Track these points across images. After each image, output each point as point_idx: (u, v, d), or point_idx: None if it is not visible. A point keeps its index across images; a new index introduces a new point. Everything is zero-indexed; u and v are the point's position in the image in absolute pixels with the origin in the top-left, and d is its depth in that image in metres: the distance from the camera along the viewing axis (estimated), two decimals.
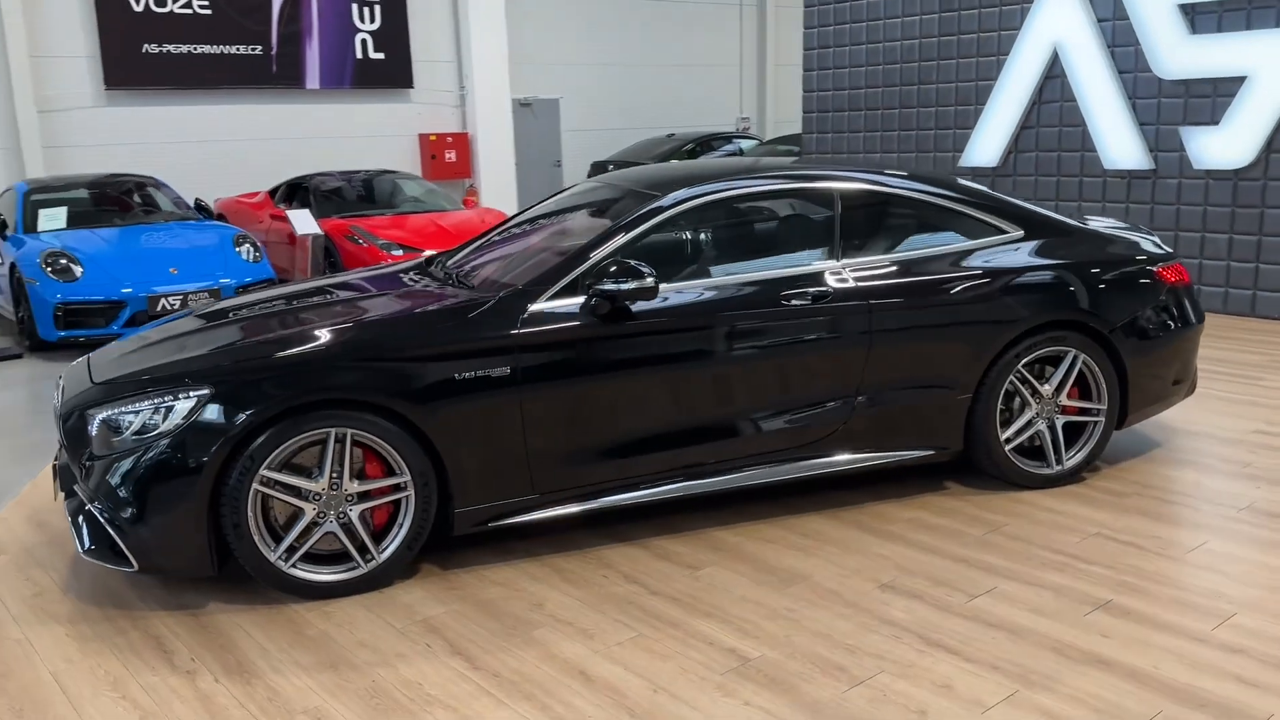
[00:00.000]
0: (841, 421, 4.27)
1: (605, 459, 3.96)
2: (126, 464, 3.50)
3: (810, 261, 4.35)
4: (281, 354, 3.67)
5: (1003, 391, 4.43)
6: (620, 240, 4.08)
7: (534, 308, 3.87)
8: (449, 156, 15.86)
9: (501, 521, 3.88)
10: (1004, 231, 4.62)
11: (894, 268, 4.36)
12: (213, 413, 3.50)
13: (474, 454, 3.77)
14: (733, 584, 3.73)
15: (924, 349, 4.34)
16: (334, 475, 3.62)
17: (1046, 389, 4.52)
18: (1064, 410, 4.59)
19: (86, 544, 3.62)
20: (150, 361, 3.84)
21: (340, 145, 14.94)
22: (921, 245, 4.55)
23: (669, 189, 4.31)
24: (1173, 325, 4.74)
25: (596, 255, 4.01)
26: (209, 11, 13.66)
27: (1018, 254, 4.57)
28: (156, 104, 13.50)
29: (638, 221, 4.15)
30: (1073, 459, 4.62)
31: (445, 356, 3.71)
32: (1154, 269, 4.75)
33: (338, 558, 3.72)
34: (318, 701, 3.03)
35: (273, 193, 11.96)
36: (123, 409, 3.59)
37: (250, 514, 3.53)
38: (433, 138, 15.70)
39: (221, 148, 13.96)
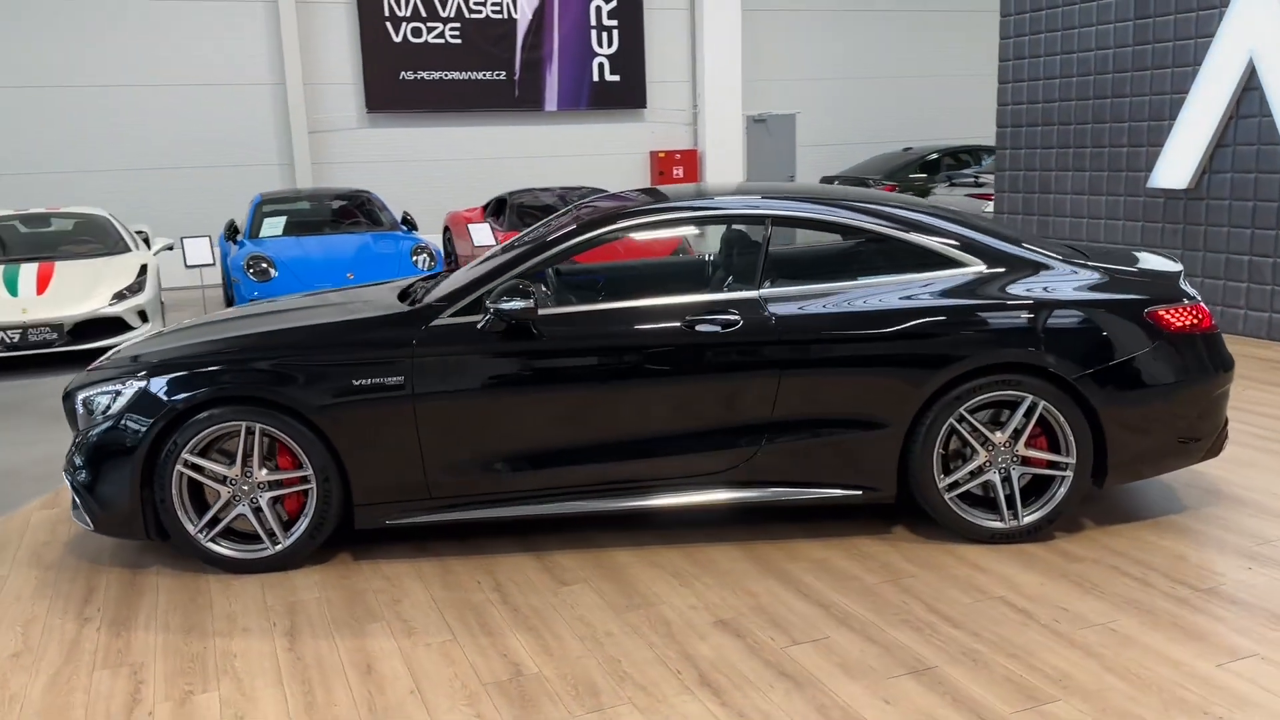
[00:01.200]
0: (749, 453, 4.19)
1: (499, 471, 4.16)
2: (89, 439, 4.17)
3: (728, 288, 4.30)
4: (205, 352, 4.20)
5: (942, 435, 4.15)
6: (531, 262, 4.28)
7: (435, 323, 4.15)
8: (677, 173, 16.35)
9: (399, 521, 4.19)
10: (959, 265, 4.31)
11: (818, 299, 4.21)
12: (145, 401, 4.08)
13: (371, 456, 4.11)
14: (582, 602, 3.81)
15: (843, 385, 4.16)
16: (246, 464, 4.10)
17: (999, 436, 4.17)
18: (1026, 461, 4.21)
19: (72, 506, 4.34)
20: (147, 349, 4.49)
21: (575, 163, 15.85)
22: (858, 276, 4.36)
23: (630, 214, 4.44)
24: (1172, 375, 4.20)
25: (505, 276, 4.23)
26: (459, 41, 15.01)
27: (963, 289, 4.24)
28: (411, 125, 15.01)
29: (551, 244, 4.31)
30: (1030, 515, 4.22)
31: (346, 364, 4.08)
32: (1148, 311, 4.22)
33: (253, 538, 4.19)
34: (149, 658, 3.50)
35: (485, 207, 12.97)
36: (94, 391, 4.26)
37: (174, 491, 4.08)
38: (661, 155, 16.25)
39: (467, 165, 15.26)
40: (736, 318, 4.15)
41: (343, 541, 4.34)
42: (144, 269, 9.17)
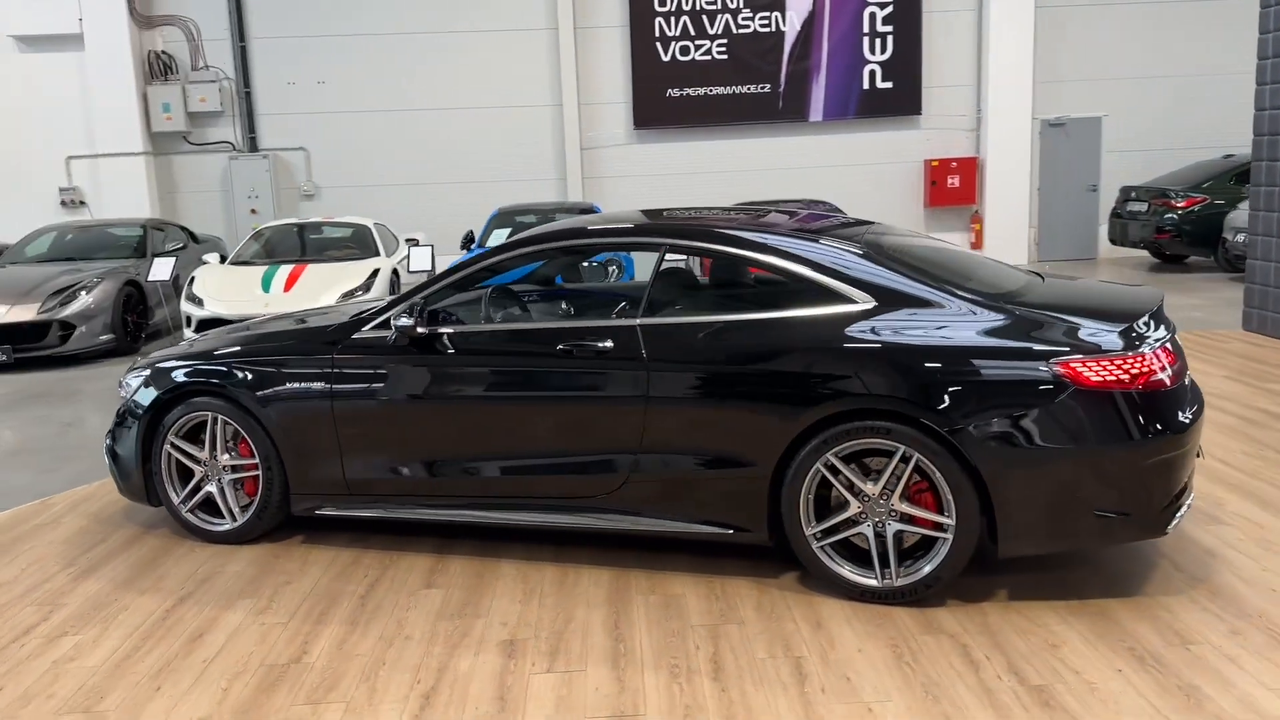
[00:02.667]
0: (619, 481, 4.19)
1: (403, 475, 4.51)
2: (116, 417, 5.06)
3: (611, 315, 4.31)
4: (194, 351, 4.92)
5: (809, 480, 3.90)
6: (436, 286, 4.57)
7: (356, 336, 4.58)
8: (951, 182, 15.57)
9: (327, 512, 4.67)
10: (849, 301, 4.01)
11: (693, 331, 4.11)
12: (146, 389, 4.89)
13: (301, 451, 4.62)
14: (424, 605, 4.05)
15: (710, 420, 4.04)
16: (214, 449, 4.79)
17: (871, 488, 3.85)
18: (909, 518, 3.85)
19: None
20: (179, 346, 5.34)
21: (841, 174, 15.62)
22: (741, 310, 4.19)
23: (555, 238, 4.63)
24: (1085, 438, 3.64)
25: (418, 295, 4.57)
26: (725, 56, 15.34)
27: (837, 326, 3.94)
28: (676, 140, 15.58)
29: (461, 268, 4.58)
30: (906, 577, 3.85)
31: (283, 368, 4.63)
32: (1052, 364, 3.68)
33: (221, 514, 4.87)
34: (75, 601, 4.24)
35: None
36: (128, 376, 5.15)
37: (164, 467, 4.86)
38: (935, 163, 15.54)
39: (727, 177, 15.58)
40: (608, 345, 4.18)
41: (314, 527, 4.90)
42: (375, 273, 10.47)
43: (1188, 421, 3.76)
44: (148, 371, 4.94)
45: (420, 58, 15.27)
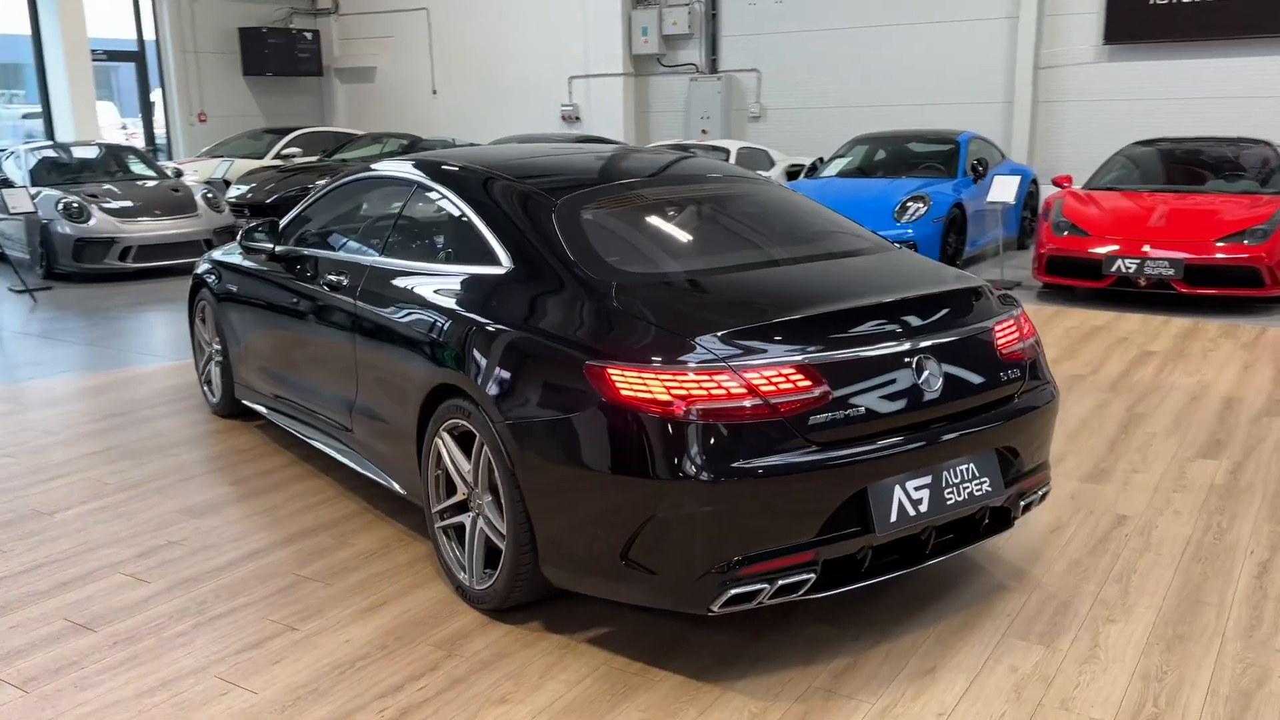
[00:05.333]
0: (349, 421, 4.17)
1: (264, 376, 4.95)
2: None
3: (367, 252, 4.20)
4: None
5: (434, 455, 3.57)
6: (297, 210, 4.83)
7: (246, 246, 4.98)
8: None
9: (249, 403, 5.28)
10: (495, 263, 3.48)
11: (396, 276, 3.90)
12: None
13: (232, 345, 5.28)
14: (228, 535, 4.51)
15: (380, 374, 3.85)
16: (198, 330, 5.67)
17: (469, 473, 3.41)
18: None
19: None
20: None
21: None
22: (417, 257, 3.88)
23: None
24: (605, 463, 2.87)
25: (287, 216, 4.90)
26: None
27: (468, 290, 3.50)
28: (1154, 58, 12.99)
29: (311, 197, 4.79)
30: (481, 584, 3.36)
31: (225, 272, 5.28)
32: (587, 368, 2.90)
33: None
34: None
35: None
36: None
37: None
38: None
39: (1233, 105, 12.60)
40: (343, 280, 4.15)
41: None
42: None
43: (746, 469, 2.74)
44: None
45: None
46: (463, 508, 3.48)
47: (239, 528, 4.15)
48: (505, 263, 3.45)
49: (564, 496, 2.99)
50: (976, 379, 3.18)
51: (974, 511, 3.17)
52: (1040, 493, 3.45)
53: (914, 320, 3.11)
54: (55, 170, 11.88)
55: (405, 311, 3.71)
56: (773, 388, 2.81)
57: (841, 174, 10.73)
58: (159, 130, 18.27)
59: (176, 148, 17.94)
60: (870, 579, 3.03)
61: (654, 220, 3.69)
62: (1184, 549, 3.79)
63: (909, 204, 9.34)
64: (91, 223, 10.35)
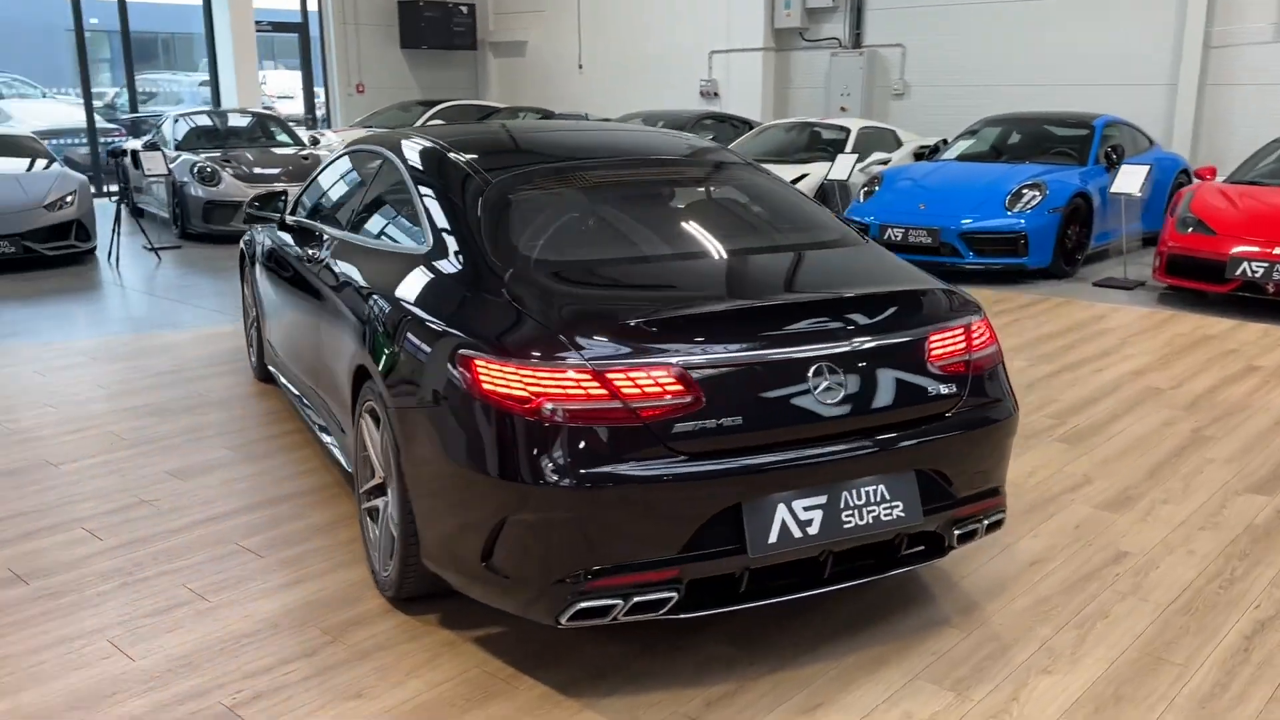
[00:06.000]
0: (315, 393, 4.20)
1: (276, 348, 5.03)
2: None
3: (337, 225, 4.17)
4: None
5: (358, 431, 3.52)
6: (308, 182, 4.86)
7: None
8: None
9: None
10: (418, 239, 3.39)
11: (343, 249, 3.95)
12: None
13: (262, 312, 5.41)
14: (200, 498, 4.64)
15: (331, 349, 3.84)
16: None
17: (380, 457, 3.34)
18: None
19: None
20: None
21: None
22: (368, 232, 3.89)
23: None
24: (463, 456, 2.74)
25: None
26: None
27: (389, 265, 3.43)
28: None
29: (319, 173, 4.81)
30: (386, 572, 3.29)
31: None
32: (457, 356, 2.77)
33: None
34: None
35: None
36: None
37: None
38: None
39: None
40: (313, 253, 4.17)
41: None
42: (793, 182, 10.27)
43: (599, 476, 2.55)
44: None
45: None
46: (382, 491, 3.42)
47: (214, 492, 4.24)
48: (427, 242, 3.35)
49: (437, 488, 2.88)
50: (894, 392, 2.87)
51: (888, 537, 2.87)
52: (986, 521, 3.10)
53: (821, 325, 2.83)
54: (203, 135, 12.57)
55: (345, 288, 3.68)
56: (637, 391, 2.61)
57: (961, 157, 10.10)
58: (319, 100, 19.10)
59: (335, 118, 18.69)
60: (751, 601, 2.79)
61: (589, 204, 3.49)
62: (1176, 597, 3.34)
63: (1024, 191, 8.68)
64: (221, 186, 10.89)
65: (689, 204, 3.66)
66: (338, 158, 4.65)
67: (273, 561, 3.62)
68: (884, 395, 2.85)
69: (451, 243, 3.24)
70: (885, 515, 2.83)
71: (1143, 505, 4.06)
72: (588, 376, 2.60)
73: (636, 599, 2.64)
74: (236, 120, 13.19)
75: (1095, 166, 9.41)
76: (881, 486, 2.83)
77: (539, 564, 2.64)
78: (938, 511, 2.94)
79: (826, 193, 10.41)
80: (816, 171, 10.49)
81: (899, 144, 12.05)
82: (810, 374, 2.75)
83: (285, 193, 4.96)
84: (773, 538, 2.70)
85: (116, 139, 16.55)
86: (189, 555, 3.68)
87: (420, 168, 3.68)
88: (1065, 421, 5.08)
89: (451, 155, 3.67)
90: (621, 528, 2.61)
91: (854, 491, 2.79)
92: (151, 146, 11.87)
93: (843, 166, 10.16)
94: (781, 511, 2.71)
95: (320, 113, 18.97)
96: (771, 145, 11.67)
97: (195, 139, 12.39)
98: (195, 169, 10.94)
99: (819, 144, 11.53)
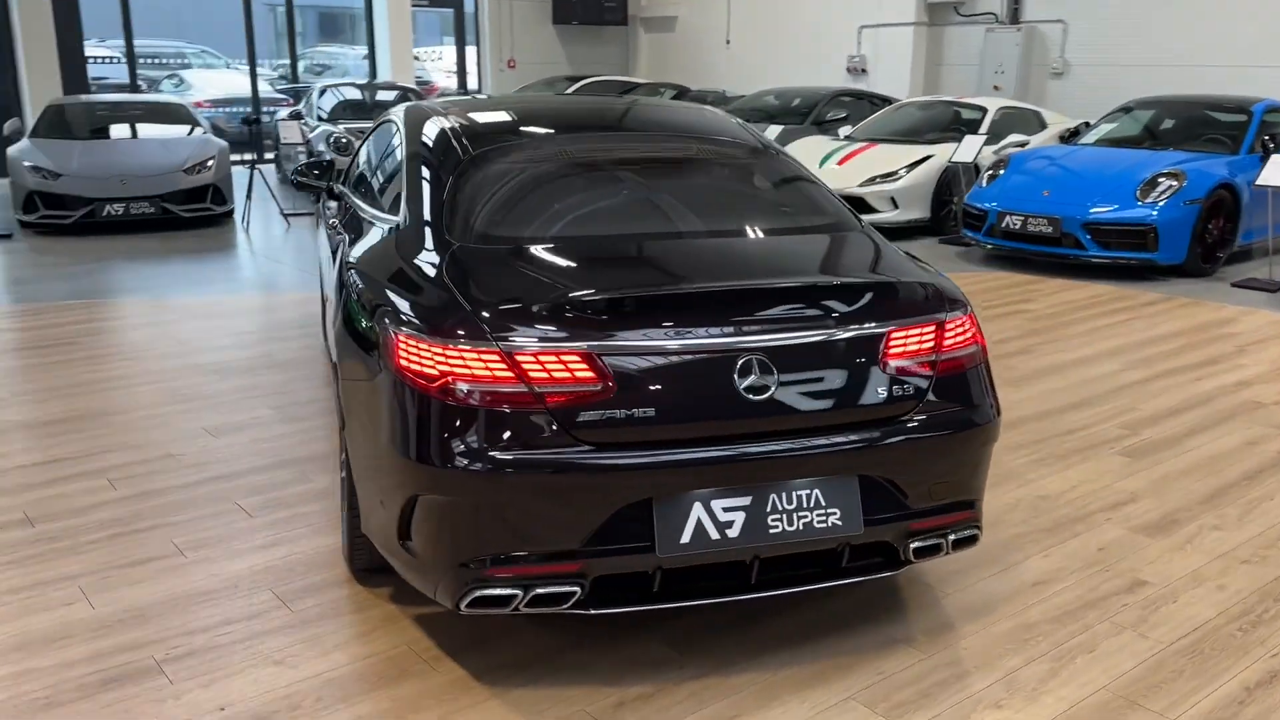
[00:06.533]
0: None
1: None
2: None
3: (358, 194, 4.20)
4: None
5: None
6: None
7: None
8: None
9: None
10: (397, 210, 3.35)
11: (354, 219, 3.97)
12: None
13: None
14: (222, 455, 4.80)
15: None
16: None
17: None
18: None
19: None
20: None
21: None
22: (372, 202, 3.87)
23: None
24: (387, 430, 2.69)
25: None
26: None
27: (366, 239, 3.43)
28: None
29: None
30: (344, 541, 3.31)
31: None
32: (389, 331, 2.73)
33: None
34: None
35: None
36: None
37: None
38: None
39: None
40: (337, 220, 4.20)
41: None
42: (920, 161, 9.81)
43: (498, 460, 2.47)
44: None
45: None
46: None
47: (238, 450, 4.38)
48: (404, 214, 3.32)
49: (366, 463, 2.86)
50: (838, 391, 2.66)
51: (823, 546, 2.67)
52: (953, 536, 2.84)
53: (756, 314, 2.63)
54: (349, 108, 13.07)
55: (336, 257, 3.71)
56: (545, 375, 2.50)
57: (1103, 141, 9.39)
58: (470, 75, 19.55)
59: (486, 92, 19.10)
60: (668, 602, 2.65)
61: (563, 180, 3.36)
62: (1183, 635, 2.99)
63: (1159, 180, 7.98)
64: None
65: (672, 184, 3.48)
66: (375, 127, 4.69)
67: (260, 523, 3.70)
68: (825, 394, 2.64)
69: (420, 215, 3.20)
70: (819, 522, 2.63)
71: (1186, 531, 3.66)
72: (496, 357, 2.51)
73: (537, 591, 2.54)
74: (384, 94, 13.63)
75: (1248, 156, 8.57)
76: (817, 491, 2.63)
77: (443, 547, 2.58)
78: (887, 522, 2.72)
79: (951, 177, 9.90)
80: (942, 153, 9.98)
81: (1042, 126, 11.33)
82: (738, 367, 2.57)
83: (334, 161, 5.05)
84: (685, 538, 2.55)
85: (283, 108, 17.42)
86: (187, 510, 3.80)
87: (415, 139, 3.65)
88: (1137, 432, 4.64)
89: (447, 127, 3.62)
90: (522, 517, 2.51)
91: (784, 495, 2.61)
92: (294, 116, 12.42)
93: (969, 148, 9.62)
94: (698, 511, 2.56)
95: (473, 88, 19.41)
96: (902, 124, 11.17)
97: (341, 110, 12.88)
98: (331, 139, 11.37)
99: (954, 124, 10.96)
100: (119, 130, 10.60)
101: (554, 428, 2.49)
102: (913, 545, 2.78)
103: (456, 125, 3.61)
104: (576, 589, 2.55)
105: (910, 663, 2.85)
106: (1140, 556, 3.47)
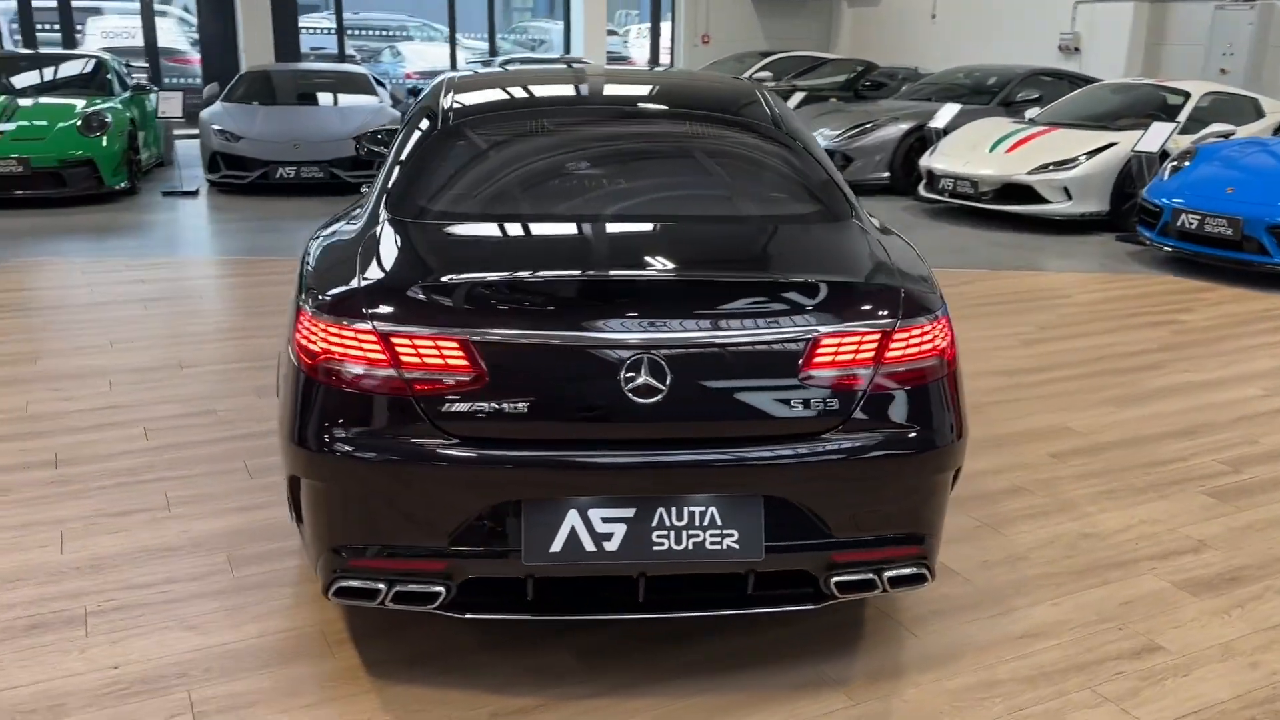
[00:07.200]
0: None
1: None
2: None
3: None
4: None
5: None
6: None
7: None
8: None
9: None
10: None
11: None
12: None
13: None
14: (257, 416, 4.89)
15: None
16: None
17: None
18: None
19: None
20: None
21: None
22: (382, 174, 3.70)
23: None
24: (281, 411, 2.63)
25: None
26: None
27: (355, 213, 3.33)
28: None
29: None
30: None
31: None
32: (298, 300, 2.65)
33: None
34: None
35: None
36: None
37: None
38: None
39: None
40: None
41: None
42: (1100, 150, 8.95)
43: (356, 445, 2.35)
44: None
45: None
46: None
47: (272, 411, 4.46)
48: (371, 207, 3.23)
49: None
50: (742, 400, 2.36)
51: (718, 570, 2.40)
52: (889, 573, 2.49)
53: (656, 310, 2.36)
54: None
55: None
56: (417, 360, 2.35)
57: None
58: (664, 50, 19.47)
59: (678, 67, 18.98)
60: (543, 614, 2.45)
61: (534, 155, 3.16)
62: (1182, 716, 2.51)
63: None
64: None
65: (641, 166, 3.20)
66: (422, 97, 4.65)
67: (256, 485, 3.75)
68: (728, 403, 2.36)
69: (383, 186, 3.10)
70: (712, 543, 2.36)
71: (1243, 593, 3.10)
72: (372, 339, 2.38)
73: (400, 588, 2.41)
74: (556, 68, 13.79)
75: None
76: (713, 509, 2.36)
77: (318, 532, 2.48)
78: (797, 551, 2.41)
79: (1132, 168, 8.95)
80: (1129, 141, 9.04)
81: (1259, 115, 10.07)
82: (627, 366, 2.33)
83: (389, 131, 5.06)
84: (556, 546, 2.34)
85: None
86: (195, 466, 3.91)
87: (417, 108, 3.56)
88: (1239, 470, 4.00)
89: (448, 97, 3.51)
90: (386, 509, 2.38)
91: (673, 510, 2.35)
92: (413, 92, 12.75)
93: (1155, 137, 8.66)
94: (574, 519, 2.35)
95: (666, 62, 19.34)
96: (1095, 108, 10.19)
97: None
98: None
99: (1154, 109, 9.91)
100: (301, 98, 11.18)
101: (420, 417, 2.34)
102: (835, 579, 2.46)
103: (453, 96, 3.49)
104: (442, 590, 2.40)
105: (831, 708, 2.53)
106: (1170, 617, 2.96)
